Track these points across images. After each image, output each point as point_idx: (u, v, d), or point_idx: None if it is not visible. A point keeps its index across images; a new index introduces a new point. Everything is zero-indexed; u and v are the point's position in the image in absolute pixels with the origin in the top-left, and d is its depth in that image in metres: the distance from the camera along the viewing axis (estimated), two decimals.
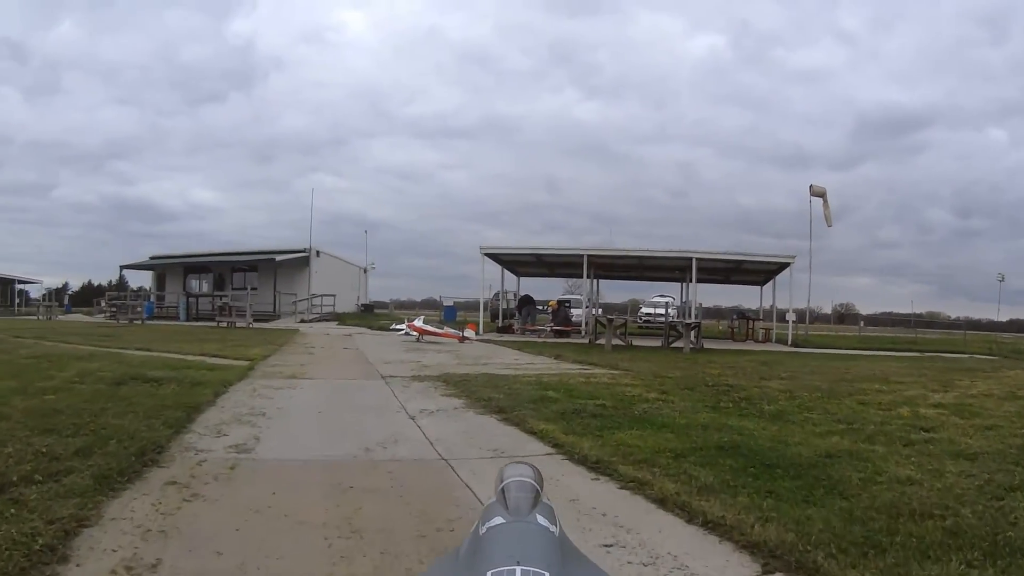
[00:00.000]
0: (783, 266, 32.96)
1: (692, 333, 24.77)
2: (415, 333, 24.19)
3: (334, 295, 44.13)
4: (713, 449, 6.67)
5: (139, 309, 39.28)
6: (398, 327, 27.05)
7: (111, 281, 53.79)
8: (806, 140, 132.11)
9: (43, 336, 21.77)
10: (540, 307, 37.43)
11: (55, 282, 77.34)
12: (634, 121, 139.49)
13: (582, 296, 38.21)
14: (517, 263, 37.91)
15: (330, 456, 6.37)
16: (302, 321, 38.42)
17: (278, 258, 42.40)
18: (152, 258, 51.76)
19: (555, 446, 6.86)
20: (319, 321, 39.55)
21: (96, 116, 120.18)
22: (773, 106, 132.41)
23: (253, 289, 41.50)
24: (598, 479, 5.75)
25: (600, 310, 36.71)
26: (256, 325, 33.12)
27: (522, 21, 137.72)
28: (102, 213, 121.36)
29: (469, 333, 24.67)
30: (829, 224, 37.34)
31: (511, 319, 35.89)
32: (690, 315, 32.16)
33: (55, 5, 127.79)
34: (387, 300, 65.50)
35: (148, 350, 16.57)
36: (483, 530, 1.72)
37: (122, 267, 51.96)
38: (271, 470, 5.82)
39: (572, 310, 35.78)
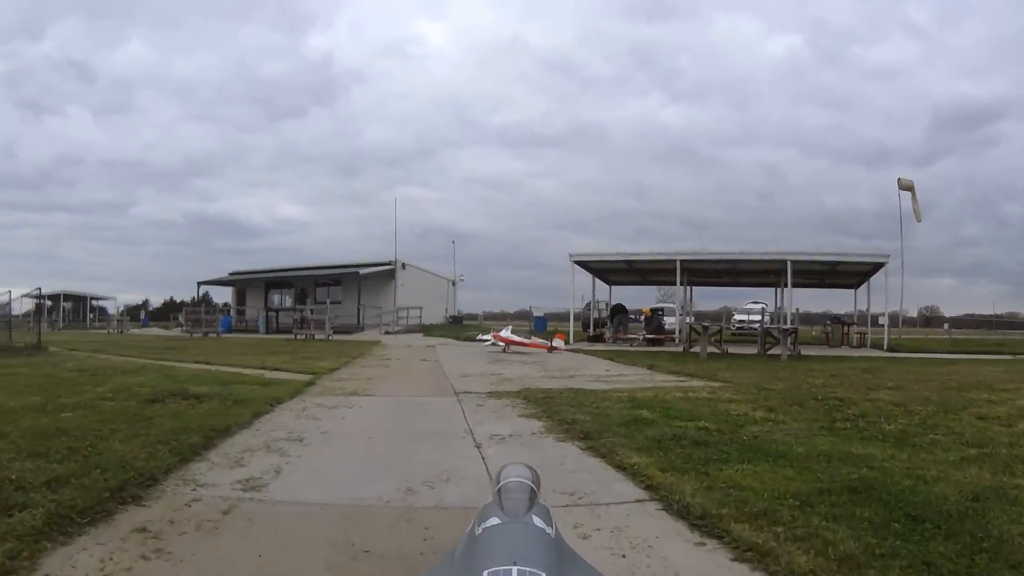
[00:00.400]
0: (877, 267, 30.80)
1: (789, 339, 22.96)
2: (501, 343, 23.04)
3: (420, 307, 43.22)
4: (844, 492, 5.09)
5: (214, 322, 39.39)
6: (484, 338, 25.90)
7: (193, 298, 54.27)
8: (886, 137, 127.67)
9: (101, 349, 21.46)
10: (632, 316, 35.69)
11: (135, 299, 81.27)
12: (719, 124, 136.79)
13: (675, 304, 36.39)
14: (608, 271, 36.45)
15: (358, 499, 5.03)
16: (386, 333, 37.89)
17: (362, 271, 42.02)
18: (232, 274, 52.34)
19: (648, 488, 5.35)
20: (404, 333, 38.88)
21: (173, 133, 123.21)
22: (853, 104, 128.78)
23: (335, 303, 41.52)
24: (703, 544, 4.22)
25: (693, 317, 35.06)
26: (337, 337, 32.58)
27: (601, 27, 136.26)
28: (185, 230, 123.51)
29: (558, 343, 23.13)
30: (918, 219, 35.59)
31: (602, 328, 34.36)
32: (785, 320, 30.23)
33: (119, 25, 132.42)
34: (478, 312, 64.38)
35: (206, 363, 15.80)
36: (479, 530, 1.76)
37: (200, 283, 51.76)
38: (273, 518, 4.55)
39: (665, 318, 34.12)
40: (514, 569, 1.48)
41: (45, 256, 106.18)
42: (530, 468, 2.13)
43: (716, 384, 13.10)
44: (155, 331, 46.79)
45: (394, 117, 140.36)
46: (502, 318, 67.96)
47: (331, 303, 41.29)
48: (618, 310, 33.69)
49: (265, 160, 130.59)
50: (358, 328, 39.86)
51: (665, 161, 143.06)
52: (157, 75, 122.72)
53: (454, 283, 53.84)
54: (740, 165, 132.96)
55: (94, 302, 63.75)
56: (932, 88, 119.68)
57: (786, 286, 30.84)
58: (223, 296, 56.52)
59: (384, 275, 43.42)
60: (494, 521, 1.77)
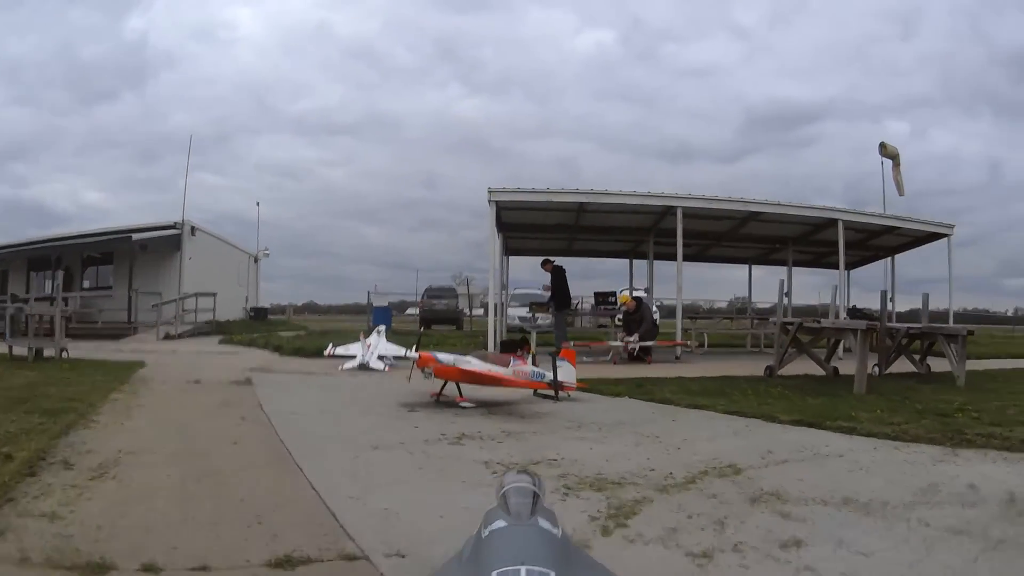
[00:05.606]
0: (933, 238, 20.67)
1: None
2: (428, 372, 9.05)
3: (214, 294, 27.10)
4: None
5: None
6: (347, 353, 13.72)
7: None
8: (692, 134, 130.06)
9: None
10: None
11: None
12: (516, 117, 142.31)
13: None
14: (530, 227, 21.21)
15: None
16: (166, 337, 22.27)
17: (135, 236, 25.74)
18: None
19: None
20: (191, 337, 23.52)
21: None
22: (660, 102, 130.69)
23: (104, 288, 27.25)
24: None
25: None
26: (83, 352, 15.20)
27: (411, 16, 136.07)
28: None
29: (567, 373, 9.91)
30: (901, 192, 26.54)
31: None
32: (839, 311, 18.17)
33: None
34: (267, 304, 45.83)
35: None
36: (485, 533, 1.69)
37: None
38: None
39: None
40: (523, 569, 1.40)
41: None
42: (532, 474, 2.03)
43: None
44: None
45: (197, 102, 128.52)
46: (298, 312, 51.72)
47: (99, 289, 27.36)
48: (560, 286, 17.78)
49: (75, 145, 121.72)
50: (129, 329, 24.06)
51: (456, 152, 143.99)
52: None
53: (257, 259, 36.59)
54: (535, 157, 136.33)
55: None
56: (749, 88, 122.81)
57: (840, 265, 19.05)
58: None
59: (167, 244, 27.22)
60: (500, 524, 1.69)
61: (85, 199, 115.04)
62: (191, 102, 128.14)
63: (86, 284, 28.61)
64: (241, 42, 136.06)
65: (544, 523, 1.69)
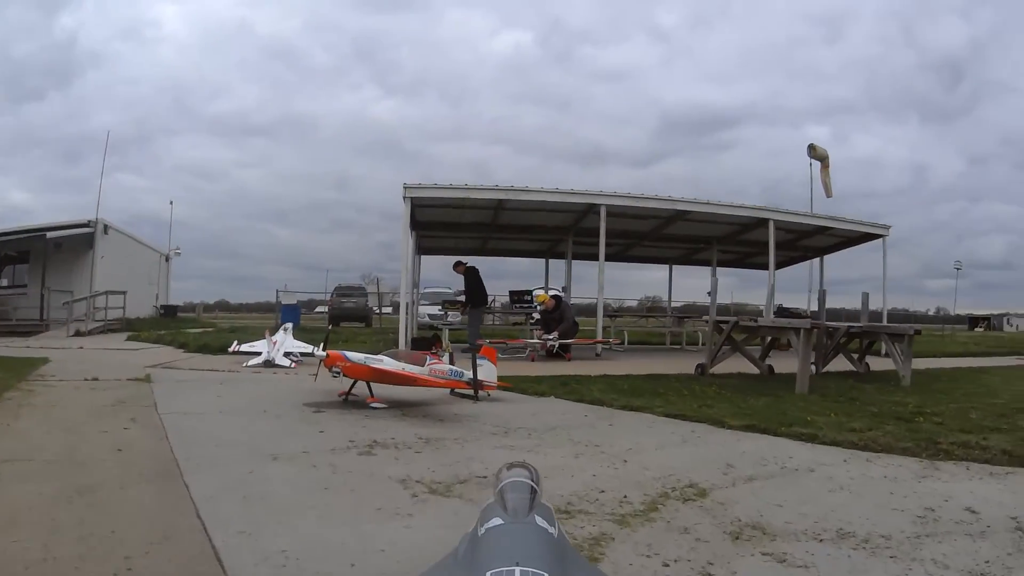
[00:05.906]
0: (867, 238, 20.73)
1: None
2: (336, 371, 7.99)
3: (125, 292, 26.25)
4: None
5: None
6: (249, 351, 13.57)
7: None
8: (605, 138, 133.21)
9: None
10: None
11: None
12: (429, 120, 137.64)
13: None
14: (442, 225, 20.32)
15: None
16: (77, 333, 21.43)
17: (50, 234, 25.13)
18: None
19: None
20: (102, 333, 22.65)
21: None
22: (576, 104, 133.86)
23: (19, 287, 26.37)
24: None
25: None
26: None
27: (330, 15, 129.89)
28: None
29: (487, 372, 9.05)
30: (829, 194, 26.46)
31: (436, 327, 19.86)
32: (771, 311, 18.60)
33: None
34: (178, 302, 44.26)
35: None
36: (482, 531, 1.62)
37: None
38: None
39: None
40: (517, 570, 1.37)
41: None
42: (530, 468, 1.94)
43: None
44: None
45: (121, 102, 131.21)
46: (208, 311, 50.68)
47: (14, 287, 26.69)
48: (475, 285, 16.32)
49: (3, 144, 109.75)
50: (41, 327, 22.92)
51: (369, 154, 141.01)
52: None
53: (168, 258, 35.69)
54: (448, 160, 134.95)
55: None
56: (666, 92, 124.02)
57: (770, 263, 18.55)
58: None
59: (80, 243, 26.47)
60: (496, 522, 1.63)
61: (10, 199, 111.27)
62: (114, 102, 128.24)
63: (3, 282, 27.87)
64: (165, 41, 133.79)
65: (541, 521, 1.64)
